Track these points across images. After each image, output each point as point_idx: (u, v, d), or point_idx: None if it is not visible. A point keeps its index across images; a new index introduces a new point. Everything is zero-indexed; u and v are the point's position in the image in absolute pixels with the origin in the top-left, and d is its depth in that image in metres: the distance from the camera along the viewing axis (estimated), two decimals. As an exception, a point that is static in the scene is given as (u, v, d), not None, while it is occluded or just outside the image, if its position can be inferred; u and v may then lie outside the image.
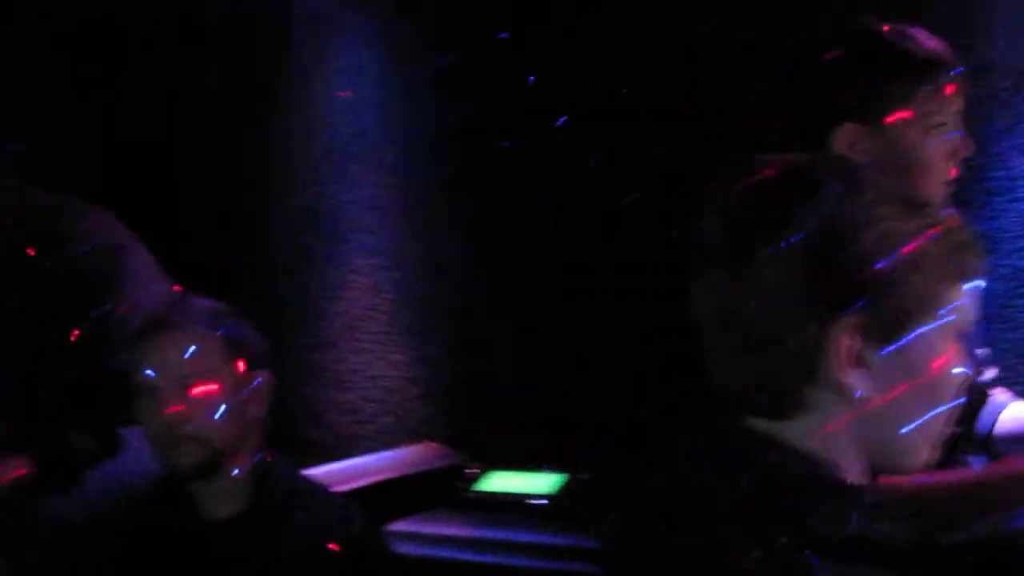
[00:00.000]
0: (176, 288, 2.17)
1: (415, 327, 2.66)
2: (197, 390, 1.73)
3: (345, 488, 2.21)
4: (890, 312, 0.93)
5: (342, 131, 2.70)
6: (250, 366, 1.80)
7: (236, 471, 1.78)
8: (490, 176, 2.56)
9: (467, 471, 2.32)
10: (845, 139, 1.47)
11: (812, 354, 0.93)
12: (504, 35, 2.46)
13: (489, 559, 2.01)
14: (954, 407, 0.99)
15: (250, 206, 2.80)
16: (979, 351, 1.61)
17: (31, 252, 2.07)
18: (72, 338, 2.07)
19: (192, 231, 2.82)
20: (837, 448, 0.97)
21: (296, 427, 2.72)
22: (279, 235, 2.76)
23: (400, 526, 2.14)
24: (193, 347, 1.75)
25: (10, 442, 2.04)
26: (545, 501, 2.16)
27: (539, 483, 2.21)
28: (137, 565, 1.81)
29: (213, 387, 1.74)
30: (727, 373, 0.99)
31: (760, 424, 0.98)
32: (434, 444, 2.55)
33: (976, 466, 1.53)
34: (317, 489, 1.86)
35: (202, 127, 2.82)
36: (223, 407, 1.75)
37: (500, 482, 2.26)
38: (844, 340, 0.92)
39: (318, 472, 2.24)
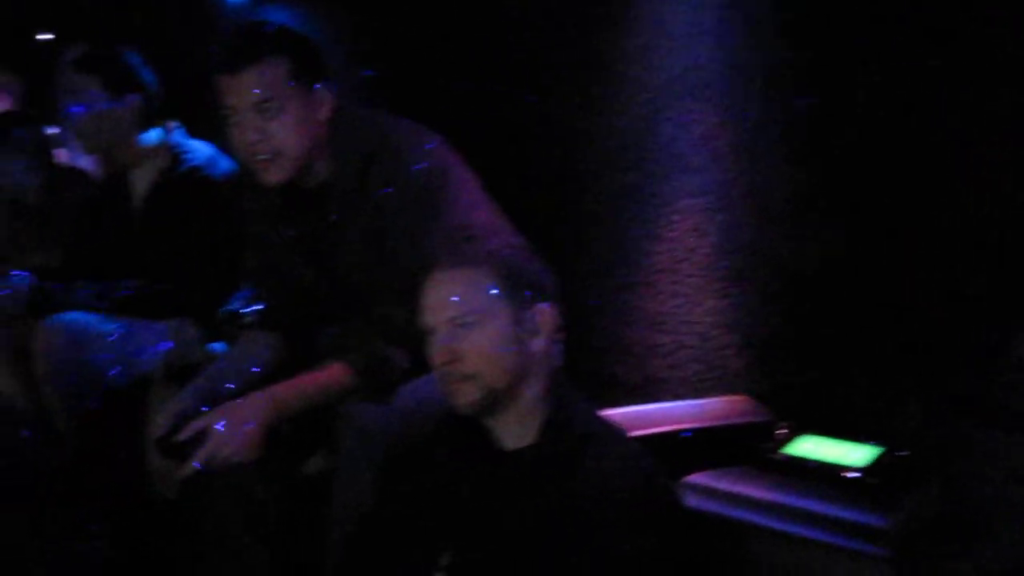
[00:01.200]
0: (487, 219, 2.20)
1: (736, 274, 2.55)
2: (471, 332, 1.74)
3: (645, 433, 2.17)
4: None
5: (676, 65, 2.61)
6: (531, 301, 1.77)
7: (523, 405, 1.78)
8: (832, 121, 2.38)
9: (776, 431, 2.20)
10: None
11: None
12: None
13: (786, 527, 1.90)
14: None
15: (575, 140, 2.78)
16: None
17: (372, 172, 2.16)
18: (400, 256, 2.16)
19: (516, 161, 2.85)
20: None
21: (606, 365, 2.70)
22: (603, 170, 2.72)
23: (697, 479, 2.07)
24: (464, 288, 1.75)
25: (332, 350, 2.17)
26: (857, 474, 2.00)
27: (852, 454, 2.05)
28: (434, 481, 1.87)
29: (486, 328, 1.74)
30: None
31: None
32: (744, 398, 2.44)
33: None
34: (613, 431, 1.83)
35: (531, 57, 2.83)
36: (497, 348, 1.75)
37: (810, 447, 2.13)
38: None
39: (621, 413, 2.21)
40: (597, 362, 2.68)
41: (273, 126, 2.09)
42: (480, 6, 2.98)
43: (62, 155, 3.78)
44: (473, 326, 1.74)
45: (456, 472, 1.85)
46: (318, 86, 2.15)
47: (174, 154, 3.13)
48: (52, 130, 3.71)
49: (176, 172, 3.10)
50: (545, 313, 1.79)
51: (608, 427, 1.83)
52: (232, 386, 2.20)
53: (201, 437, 2.05)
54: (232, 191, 3.03)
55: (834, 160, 2.39)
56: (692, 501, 1.93)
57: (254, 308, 2.48)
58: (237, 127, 2.11)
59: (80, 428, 2.93)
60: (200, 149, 3.17)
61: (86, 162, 3.69)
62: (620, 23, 2.65)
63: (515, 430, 1.79)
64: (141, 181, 3.16)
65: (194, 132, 3.24)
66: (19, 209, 3.54)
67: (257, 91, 2.07)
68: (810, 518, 1.89)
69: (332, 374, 2.13)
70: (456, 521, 1.82)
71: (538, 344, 1.78)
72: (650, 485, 1.74)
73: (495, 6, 2.93)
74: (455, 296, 1.75)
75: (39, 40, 5.12)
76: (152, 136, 3.14)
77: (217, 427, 2.04)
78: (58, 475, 2.32)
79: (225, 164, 3.17)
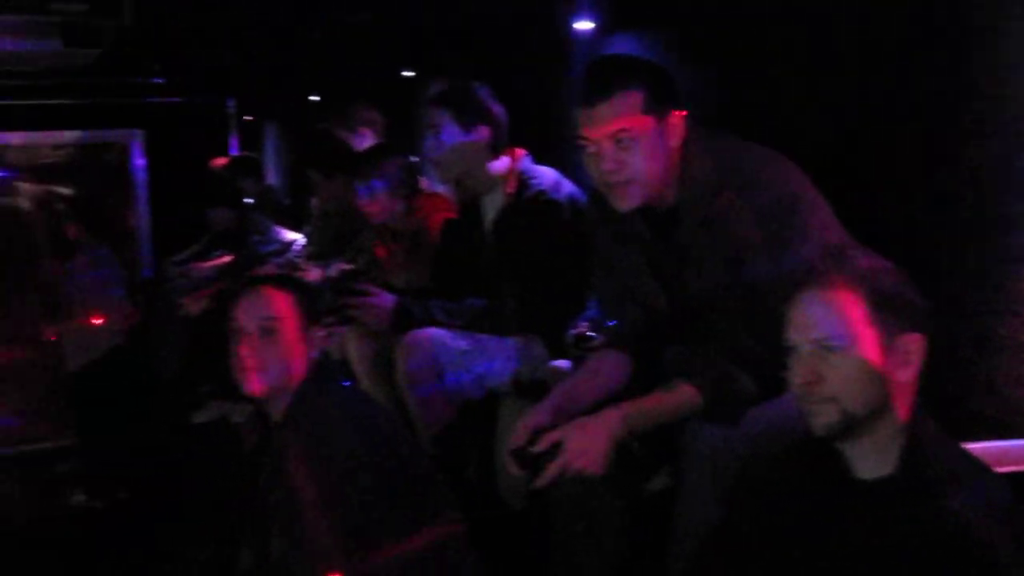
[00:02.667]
0: (839, 242, 2.16)
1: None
2: (837, 355, 1.71)
3: (1009, 470, 2.04)
4: None
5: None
6: (902, 329, 1.72)
7: (882, 434, 1.73)
8: None
9: None
10: None
11: None
12: None
13: None
14: None
15: (939, 163, 2.65)
16: None
17: (723, 197, 2.19)
18: (750, 281, 2.16)
19: (875, 184, 2.76)
20: None
21: (965, 397, 2.55)
22: (967, 194, 2.57)
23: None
24: (835, 310, 1.72)
25: (681, 371, 2.21)
26: None
27: None
28: (782, 506, 1.85)
29: (853, 353, 1.70)
30: None
31: None
32: (1125, 437, 2.24)
33: None
34: (976, 467, 1.74)
35: (896, 80, 2.73)
36: (861, 374, 1.71)
37: None
38: None
39: (982, 448, 2.09)
40: (956, 393, 2.53)
41: (628, 155, 2.17)
42: (834, 26, 2.93)
43: (424, 183, 4.09)
44: (840, 349, 1.71)
45: (806, 498, 1.83)
46: (670, 114, 2.21)
47: (522, 179, 3.30)
48: (414, 159, 4.02)
49: (524, 196, 3.27)
50: (916, 342, 1.73)
51: (971, 462, 1.75)
52: (584, 402, 2.29)
53: (554, 450, 2.15)
54: (576, 213, 3.17)
55: None
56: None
57: (604, 327, 2.57)
58: (594, 156, 2.20)
59: (436, 436, 3.16)
60: (546, 174, 3.33)
61: (446, 189, 3.98)
62: (989, 43, 2.51)
63: (871, 459, 1.75)
64: (492, 206, 3.37)
65: (541, 158, 3.40)
66: (387, 232, 3.87)
67: (613, 123, 2.16)
68: None
69: (681, 395, 2.17)
70: (805, 548, 1.80)
71: (906, 374, 1.73)
72: (1016, 526, 1.64)
73: (852, 27, 2.87)
74: (825, 317, 1.72)
75: (402, 77, 5.57)
76: (501, 164, 3.34)
77: (570, 441, 2.14)
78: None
79: (568, 187, 3.31)
